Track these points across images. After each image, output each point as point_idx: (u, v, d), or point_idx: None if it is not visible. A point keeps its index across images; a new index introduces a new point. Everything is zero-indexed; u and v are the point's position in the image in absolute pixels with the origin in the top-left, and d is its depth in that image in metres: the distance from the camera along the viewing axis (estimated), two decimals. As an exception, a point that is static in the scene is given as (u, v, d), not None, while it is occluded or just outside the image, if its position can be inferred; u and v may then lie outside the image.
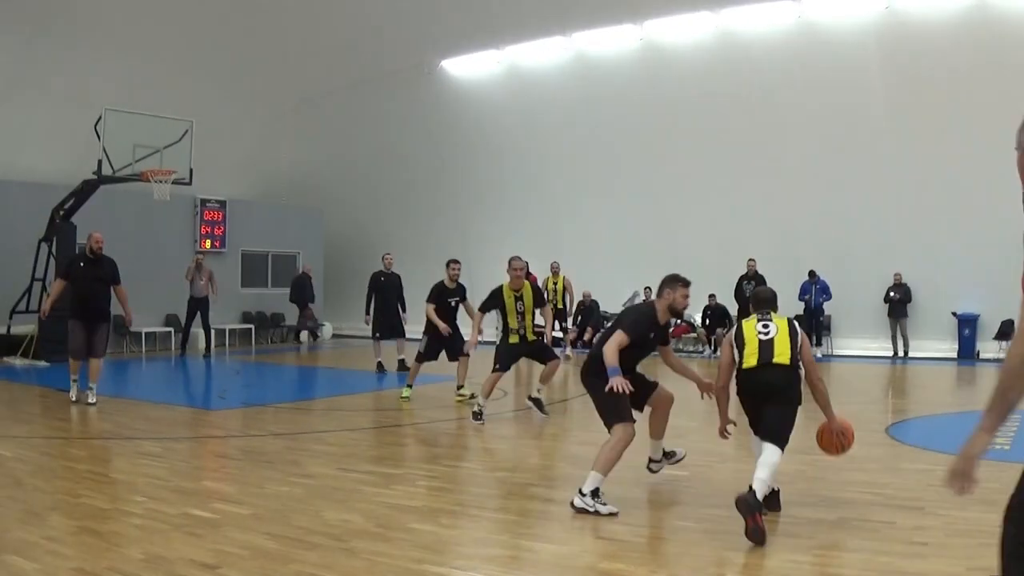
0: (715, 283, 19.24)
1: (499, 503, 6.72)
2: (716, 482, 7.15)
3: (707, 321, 20.08)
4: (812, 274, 19.10)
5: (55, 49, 19.47)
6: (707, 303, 19.94)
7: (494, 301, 10.73)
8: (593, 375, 6.55)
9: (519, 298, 10.60)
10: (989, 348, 17.92)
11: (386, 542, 5.45)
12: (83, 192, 17.15)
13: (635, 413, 6.61)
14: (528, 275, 22.18)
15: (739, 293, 18.97)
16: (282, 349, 22.38)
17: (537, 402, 10.67)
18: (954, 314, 18.45)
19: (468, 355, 12.08)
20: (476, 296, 12.38)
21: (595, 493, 6.19)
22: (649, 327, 6.63)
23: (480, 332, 10.95)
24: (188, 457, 8.57)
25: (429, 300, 12.14)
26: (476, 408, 10.31)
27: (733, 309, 19.45)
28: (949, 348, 18.65)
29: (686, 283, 6.65)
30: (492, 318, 13.09)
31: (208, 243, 22.42)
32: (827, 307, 19.35)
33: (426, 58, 23.51)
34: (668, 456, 7.27)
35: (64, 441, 9.25)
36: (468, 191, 24.69)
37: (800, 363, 6.21)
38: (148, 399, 12.82)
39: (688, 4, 19.70)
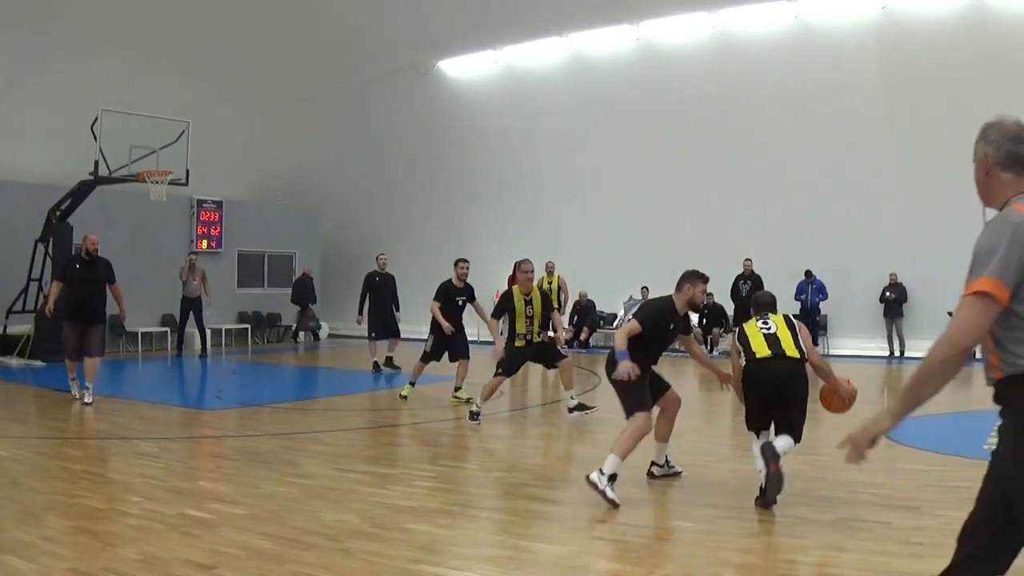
0: (712, 283, 18.89)
1: (496, 503, 6.72)
2: (713, 482, 7.16)
3: (704, 320, 20.09)
4: (808, 274, 19.12)
5: (52, 49, 19.44)
6: (704, 302, 19.92)
7: (506, 305, 10.57)
8: (612, 366, 6.82)
9: (528, 302, 10.49)
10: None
11: (382, 542, 5.45)
12: (79, 192, 17.13)
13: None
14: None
15: (735, 293, 18.99)
16: (278, 349, 22.36)
17: (579, 407, 10.37)
18: (950, 314, 18.25)
19: (469, 358, 12.07)
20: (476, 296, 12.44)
21: (612, 478, 6.36)
22: (667, 319, 6.91)
23: (501, 335, 10.76)
24: (184, 457, 8.55)
25: (436, 299, 12.02)
26: (474, 408, 10.29)
27: (730, 309, 19.47)
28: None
29: (705, 279, 6.98)
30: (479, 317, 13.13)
31: (204, 243, 22.40)
32: (823, 307, 19.36)
33: (423, 58, 23.50)
34: (670, 467, 7.28)
35: (60, 441, 9.23)
36: (464, 191, 24.69)
37: (804, 356, 6.54)
38: (144, 399, 12.79)
39: (685, 4, 19.71)
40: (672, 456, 7.34)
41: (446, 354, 12.15)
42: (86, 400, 11.30)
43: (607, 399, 11.84)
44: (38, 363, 16.38)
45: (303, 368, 18.75)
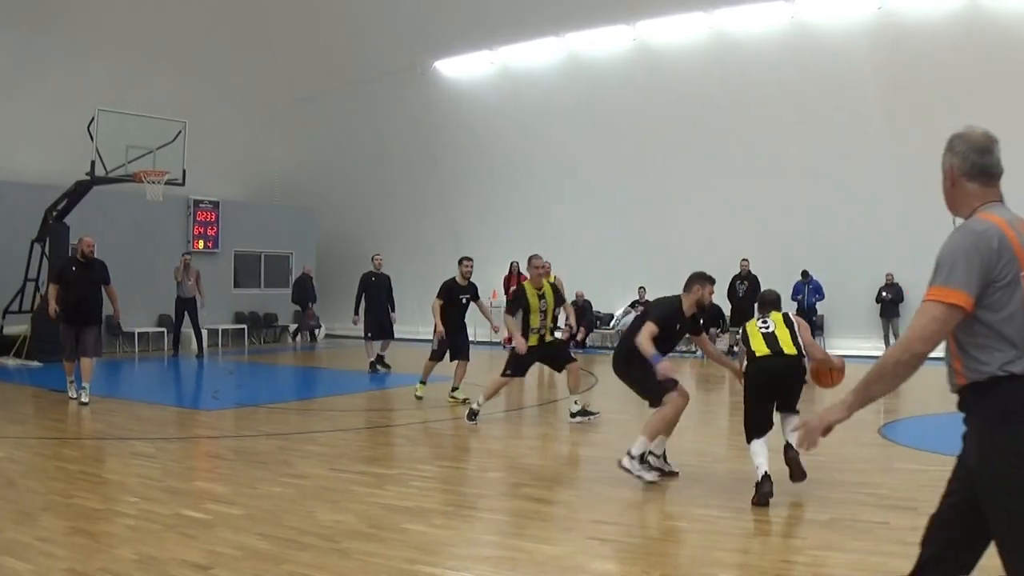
0: (708, 283, 19.17)
1: (493, 503, 6.72)
2: (709, 483, 7.16)
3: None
4: (805, 274, 19.13)
5: (50, 49, 19.41)
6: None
7: (520, 301, 10.48)
8: (624, 363, 7.24)
9: (542, 296, 10.46)
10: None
11: (379, 543, 5.45)
12: (76, 193, 17.12)
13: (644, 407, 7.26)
14: (519, 276, 22.30)
15: (732, 293, 19.01)
16: (275, 349, 22.35)
17: (581, 412, 10.32)
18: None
19: (468, 359, 12.04)
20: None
21: (642, 458, 6.66)
22: (675, 318, 7.18)
23: (518, 329, 10.56)
24: (181, 457, 8.55)
25: (439, 296, 11.97)
26: (474, 407, 10.25)
27: (727, 309, 19.47)
28: (940, 348, 18.64)
29: (713, 280, 7.39)
30: (476, 317, 13.10)
31: (201, 244, 22.39)
32: (820, 307, 19.38)
33: (419, 59, 23.47)
34: (667, 464, 7.30)
35: (57, 441, 9.22)
36: (461, 191, 24.68)
37: (803, 352, 6.80)
38: (141, 399, 12.79)
39: (681, 5, 19.68)
40: (668, 456, 7.35)
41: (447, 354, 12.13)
42: (83, 400, 11.34)
43: (606, 401, 11.87)
44: (35, 363, 16.37)
45: (299, 368, 18.73)
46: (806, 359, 6.77)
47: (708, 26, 19.95)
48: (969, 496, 2.85)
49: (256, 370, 17.95)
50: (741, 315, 18.74)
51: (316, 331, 23.80)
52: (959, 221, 3.07)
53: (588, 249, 22.29)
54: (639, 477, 6.63)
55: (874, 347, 19.27)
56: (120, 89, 19.91)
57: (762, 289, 19.32)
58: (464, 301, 12.09)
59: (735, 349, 16.32)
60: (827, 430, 3.03)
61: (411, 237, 25.17)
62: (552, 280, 18.23)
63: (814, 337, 19.87)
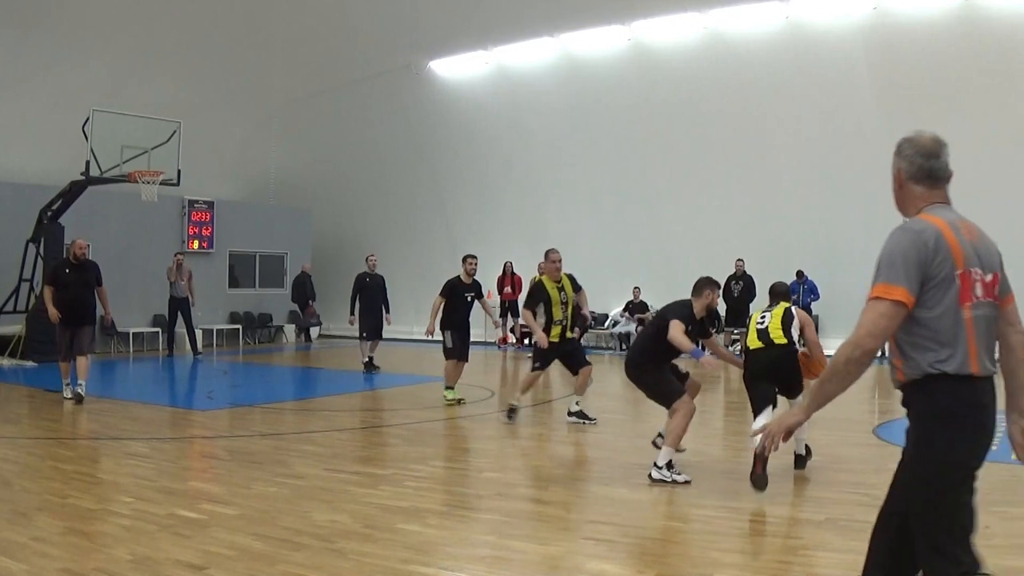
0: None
1: (487, 503, 6.72)
2: (704, 483, 7.16)
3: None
4: (800, 274, 19.14)
5: (44, 50, 19.35)
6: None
7: (539, 295, 10.50)
8: (637, 368, 7.54)
9: (561, 288, 10.49)
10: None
11: (373, 542, 5.45)
12: (71, 193, 17.08)
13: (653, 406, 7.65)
14: (513, 276, 22.26)
15: (727, 293, 19.01)
16: (270, 349, 22.33)
17: (579, 414, 10.31)
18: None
19: (467, 360, 12.02)
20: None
21: (669, 465, 6.98)
22: (689, 320, 7.42)
23: (539, 326, 10.57)
24: (175, 458, 8.54)
25: (441, 294, 11.95)
26: (513, 403, 10.26)
27: (721, 309, 19.47)
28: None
29: (719, 285, 7.79)
30: (479, 316, 13.09)
31: (196, 244, 22.35)
32: (815, 307, 19.37)
33: (414, 59, 23.46)
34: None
35: (52, 441, 9.21)
36: (456, 191, 24.67)
37: (796, 342, 7.13)
38: (135, 399, 12.79)
39: (676, 5, 19.68)
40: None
41: (443, 354, 12.08)
42: (80, 392, 11.49)
43: (602, 401, 11.86)
44: (29, 363, 16.34)
45: (294, 368, 18.71)
46: (797, 346, 7.05)
47: (703, 26, 19.95)
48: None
49: (251, 370, 17.92)
50: (736, 315, 18.79)
51: (310, 330, 23.81)
52: None
53: (583, 249, 22.25)
54: (673, 482, 6.90)
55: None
56: (114, 89, 19.86)
57: (756, 289, 19.38)
58: (469, 299, 12.08)
59: (732, 349, 16.37)
60: (788, 433, 3.12)
61: (406, 237, 25.16)
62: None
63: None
